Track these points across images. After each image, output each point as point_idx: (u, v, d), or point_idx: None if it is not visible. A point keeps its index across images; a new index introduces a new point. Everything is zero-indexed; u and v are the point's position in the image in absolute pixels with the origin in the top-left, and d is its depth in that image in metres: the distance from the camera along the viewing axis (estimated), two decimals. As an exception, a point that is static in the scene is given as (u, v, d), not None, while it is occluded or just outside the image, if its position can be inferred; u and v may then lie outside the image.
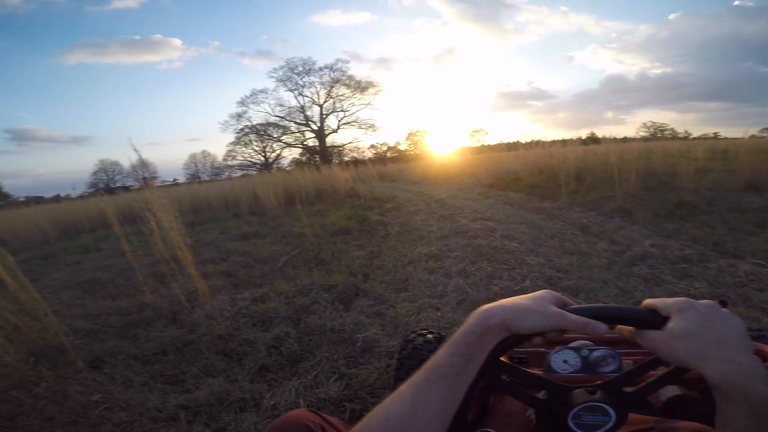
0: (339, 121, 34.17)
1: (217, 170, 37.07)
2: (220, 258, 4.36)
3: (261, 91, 33.07)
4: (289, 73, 32.48)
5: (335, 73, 32.81)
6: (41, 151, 61.73)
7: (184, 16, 65.78)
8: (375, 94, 33.63)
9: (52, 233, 8.12)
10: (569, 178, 6.30)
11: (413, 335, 1.48)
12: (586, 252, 3.41)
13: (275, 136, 34.04)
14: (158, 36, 58.07)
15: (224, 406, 1.70)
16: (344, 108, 33.83)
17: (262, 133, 33.59)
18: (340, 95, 33.38)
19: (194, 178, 35.82)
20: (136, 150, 2.94)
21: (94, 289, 3.78)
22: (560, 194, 6.07)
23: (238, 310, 2.73)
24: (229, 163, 34.61)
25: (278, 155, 35.12)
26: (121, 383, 1.95)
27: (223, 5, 65.25)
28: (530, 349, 1.03)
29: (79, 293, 3.69)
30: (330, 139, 34.95)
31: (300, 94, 33.14)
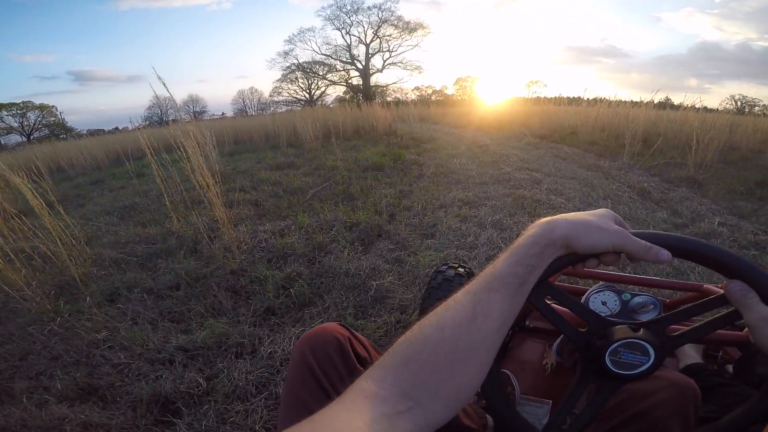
0: (384, 61, 33.54)
1: (263, 106, 37.43)
2: (251, 186, 4.29)
3: (308, 30, 32.69)
4: (337, 12, 31.75)
5: (383, 13, 31.76)
6: (101, 89, 65.91)
7: (231, -45, 62.80)
8: (424, 36, 32.43)
9: (104, 161, 8.53)
10: (635, 139, 5.48)
11: (444, 267, 1.38)
12: (642, 219, 2.95)
13: (321, 73, 33.93)
14: (206, -23, 56.31)
15: (221, 351, 1.61)
16: (391, 48, 33.10)
17: (308, 70, 33.51)
18: (388, 35, 32.59)
19: (241, 112, 36.53)
20: (162, 83, 2.72)
21: (130, 215, 3.85)
22: (622, 154, 5.33)
23: (257, 244, 2.63)
24: (275, 99, 34.94)
25: (323, 93, 35.05)
26: (130, 319, 1.92)
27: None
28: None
29: (115, 219, 3.78)
30: (374, 79, 34.41)
31: (347, 33, 32.56)
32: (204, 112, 38.27)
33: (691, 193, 3.75)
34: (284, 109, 31.80)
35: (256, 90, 39.87)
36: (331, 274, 2.12)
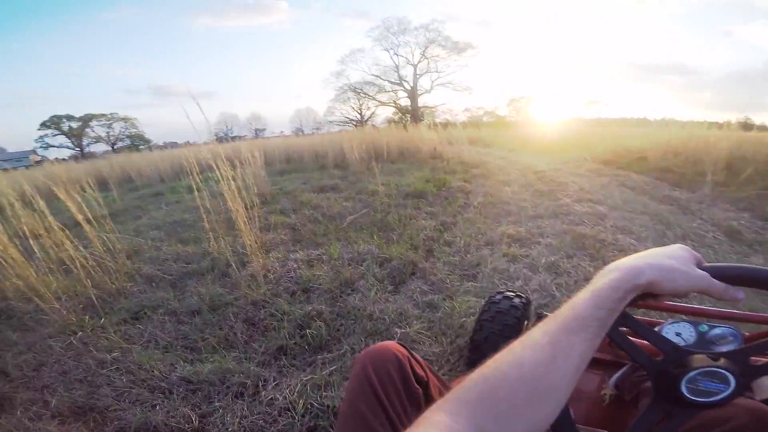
0: (432, 81, 33.76)
1: (318, 125, 38.97)
2: (292, 209, 4.27)
3: (358, 50, 33.82)
4: (385, 33, 32.56)
5: (430, 33, 32.16)
6: (175, 103, 71.37)
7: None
8: (472, 56, 32.56)
9: (168, 173, 9.14)
10: (717, 166, 4.78)
11: (498, 296, 1.38)
12: (732, 265, 2.46)
13: (370, 94, 34.73)
14: (267, -1, 60.85)
15: (224, 387, 1.50)
16: (438, 69, 33.29)
17: (359, 90, 34.49)
18: (435, 56, 32.88)
19: (298, 131, 38.27)
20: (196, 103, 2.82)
21: (176, 231, 3.97)
22: (701, 183, 4.69)
23: (285, 273, 2.53)
24: (329, 119, 36.24)
25: (373, 113, 35.82)
26: (147, 341, 1.88)
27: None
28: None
29: (162, 234, 3.91)
30: (423, 100, 34.59)
31: (395, 54, 33.20)
32: (264, 129, 40.64)
33: (795, 233, 3.16)
34: (337, 128, 32.96)
35: (312, 109, 41.80)
36: (353, 316, 1.95)
